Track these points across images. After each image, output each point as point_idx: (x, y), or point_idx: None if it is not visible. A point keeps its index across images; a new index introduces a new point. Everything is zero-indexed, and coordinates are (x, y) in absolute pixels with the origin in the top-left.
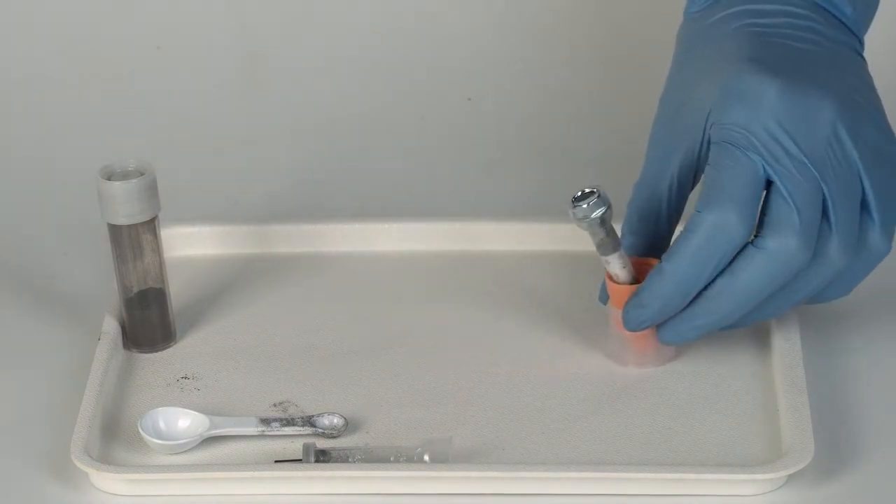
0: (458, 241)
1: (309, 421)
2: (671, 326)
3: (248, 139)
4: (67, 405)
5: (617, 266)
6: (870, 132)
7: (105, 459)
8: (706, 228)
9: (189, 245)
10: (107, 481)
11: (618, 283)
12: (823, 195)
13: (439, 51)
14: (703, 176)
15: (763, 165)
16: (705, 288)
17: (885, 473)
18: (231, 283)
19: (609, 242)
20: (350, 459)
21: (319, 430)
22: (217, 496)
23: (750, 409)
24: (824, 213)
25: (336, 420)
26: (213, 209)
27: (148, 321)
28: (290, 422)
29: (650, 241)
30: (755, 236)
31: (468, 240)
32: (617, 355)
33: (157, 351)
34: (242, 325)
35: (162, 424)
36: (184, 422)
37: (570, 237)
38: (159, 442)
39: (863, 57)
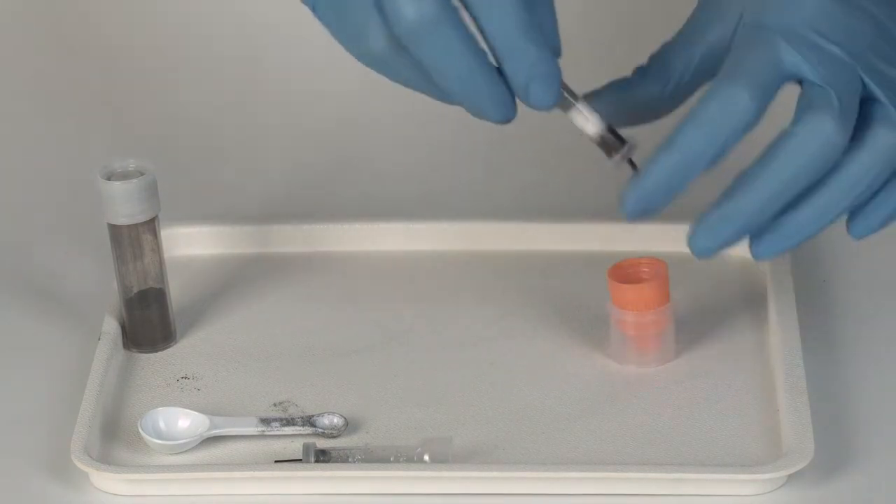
0: (459, 241)
1: (309, 421)
2: (706, 224)
3: (249, 139)
4: (67, 405)
5: (580, 120)
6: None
7: (105, 459)
8: (717, 101)
9: (189, 245)
10: (107, 481)
11: (590, 136)
12: (863, 82)
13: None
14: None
15: (792, 57)
16: (733, 182)
17: (885, 473)
18: (231, 283)
19: (567, 98)
20: (350, 459)
21: (319, 430)
22: (217, 496)
23: (750, 409)
24: (867, 97)
25: (336, 420)
26: (213, 209)
27: (148, 321)
28: (290, 422)
29: (640, 100)
30: (791, 123)
31: (468, 240)
32: (617, 355)
33: (157, 351)
34: (242, 325)
35: (162, 424)
36: (184, 422)
37: (571, 237)
38: (159, 442)
39: None
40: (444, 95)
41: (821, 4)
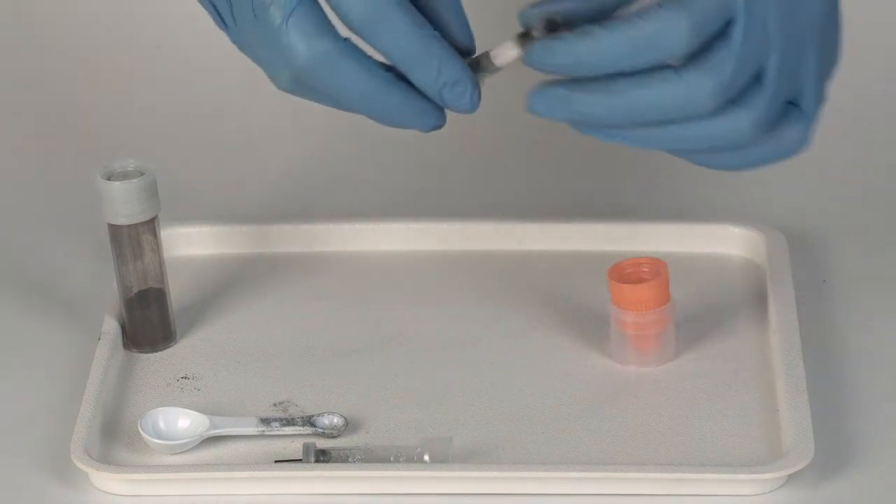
0: (458, 241)
1: (309, 421)
2: (547, 92)
3: (249, 139)
4: (67, 405)
5: (500, 58)
6: (833, 39)
7: (105, 459)
8: (656, 23)
9: (189, 245)
10: (107, 481)
11: (503, 63)
12: (768, 58)
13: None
14: None
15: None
16: (604, 79)
17: (885, 473)
18: (231, 283)
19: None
20: (350, 459)
21: (319, 430)
22: (217, 496)
23: (750, 409)
24: (757, 78)
25: (336, 420)
26: (213, 209)
27: (148, 321)
28: (290, 422)
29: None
30: (683, 63)
31: (468, 240)
32: (617, 355)
33: (157, 351)
34: (242, 325)
35: (162, 424)
36: (184, 422)
37: (571, 237)
38: (159, 442)
39: None
40: (361, 112)
41: None
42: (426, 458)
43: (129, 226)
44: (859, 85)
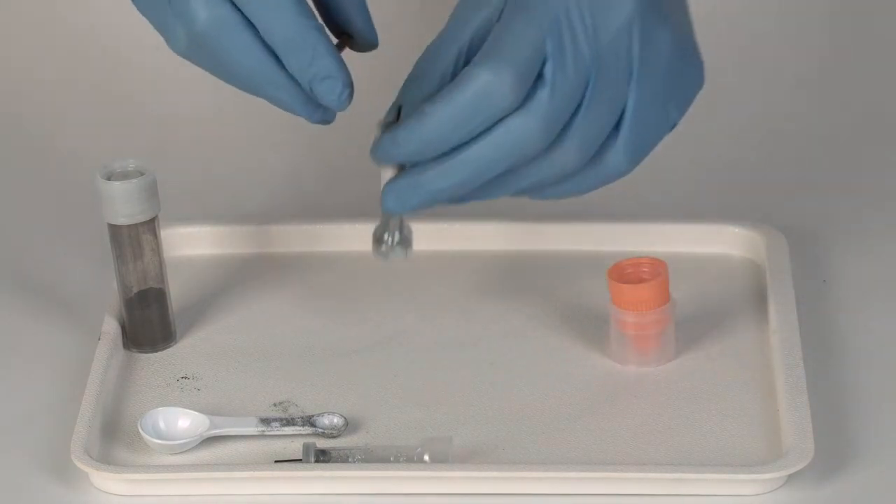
0: (459, 241)
1: (309, 421)
2: (396, 190)
3: (249, 139)
4: (67, 405)
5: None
6: (662, 45)
7: (105, 459)
8: (478, 85)
9: (189, 245)
10: (107, 481)
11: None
12: (585, 89)
13: None
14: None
15: (546, 39)
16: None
17: (885, 473)
18: (231, 283)
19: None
20: (350, 459)
21: (319, 430)
22: (217, 496)
23: (750, 409)
24: (577, 107)
25: (336, 420)
26: (213, 209)
27: (148, 321)
28: (290, 422)
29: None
30: None
31: (468, 240)
32: (617, 355)
33: (157, 351)
34: (242, 325)
35: (162, 424)
36: (184, 422)
37: (571, 237)
38: (159, 442)
39: None
40: (250, 90)
41: None
42: (426, 458)
43: (129, 226)
44: (858, 85)
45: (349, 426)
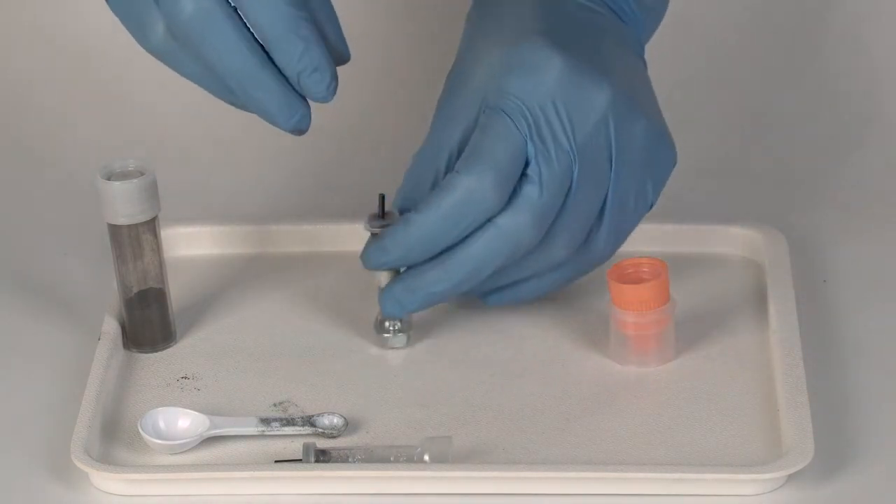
0: None
1: (309, 421)
2: (394, 294)
3: (249, 139)
4: (67, 405)
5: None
6: (637, 132)
7: (105, 459)
8: (461, 191)
9: (189, 245)
10: (107, 481)
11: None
12: (570, 183)
13: (440, 51)
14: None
15: (527, 139)
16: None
17: (885, 473)
18: (231, 283)
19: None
20: (350, 459)
21: (319, 430)
22: (217, 496)
23: (750, 409)
24: (564, 201)
25: (336, 420)
26: (213, 209)
27: (148, 321)
28: (290, 422)
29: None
30: None
31: None
32: (617, 355)
33: (157, 351)
34: (242, 325)
35: (162, 424)
36: (184, 422)
37: None
38: (159, 442)
39: (644, 61)
40: (229, 95)
41: (558, 85)
42: (426, 458)
43: (129, 226)
44: (858, 85)
45: (349, 426)
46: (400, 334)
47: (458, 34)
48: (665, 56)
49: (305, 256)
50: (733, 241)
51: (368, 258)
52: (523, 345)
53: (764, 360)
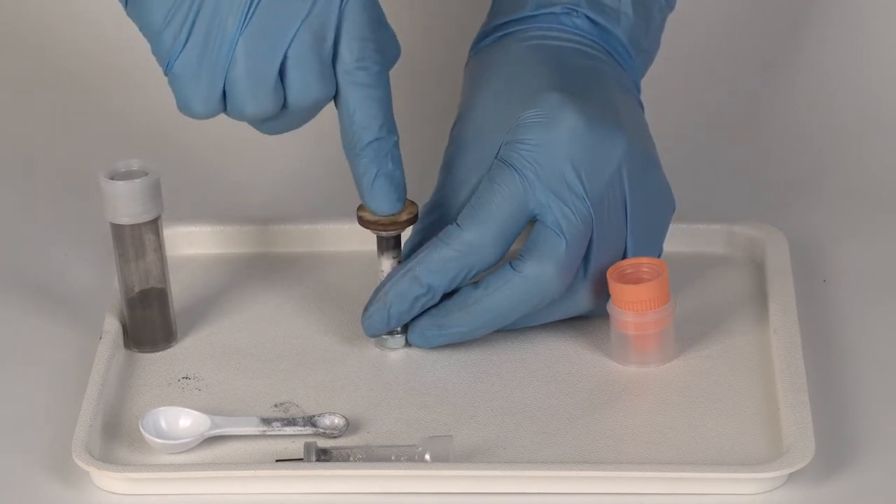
0: None
1: (310, 421)
2: (421, 329)
3: (250, 139)
4: (68, 404)
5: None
6: (649, 180)
7: (106, 458)
8: (461, 246)
9: (190, 245)
10: (108, 480)
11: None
12: (591, 233)
13: (440, 51)
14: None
15: (537, 196)
16: (458, 296)
17: (885, 473)
18: (232, 283)
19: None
20: (351, 459)
21: (320, 430)
22: (218, 495)
23: (750, 409)
24: (586, 253)
25: (337, 420)
26: (214, 209)
27: (149, 321)
28: (291, 422)
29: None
30: (517, 258)
31: None
32: (617, 355)
33: (158, 350)
34: (243, 325)
35: (163, 424)
36: (185, 421)
37: None
38: (160, 441)
39: (642, 104)
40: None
41: (573, 139)
42: (427, 457)
43: (131, 225)
44: (859, 85)
45: (350, 426)
46: (398, 336)
47: (461, 34)
48: (665, 55)
49: (306, 256)
50: (733, 241)
51: (371, 319)
52: (523, 344)
53: (764, 359)
